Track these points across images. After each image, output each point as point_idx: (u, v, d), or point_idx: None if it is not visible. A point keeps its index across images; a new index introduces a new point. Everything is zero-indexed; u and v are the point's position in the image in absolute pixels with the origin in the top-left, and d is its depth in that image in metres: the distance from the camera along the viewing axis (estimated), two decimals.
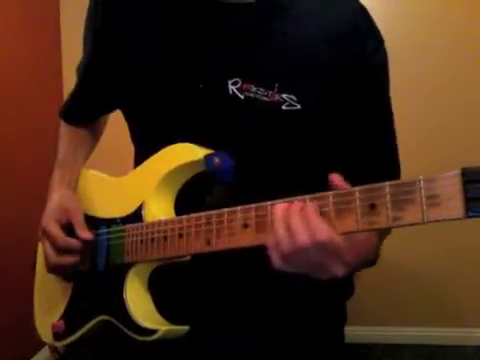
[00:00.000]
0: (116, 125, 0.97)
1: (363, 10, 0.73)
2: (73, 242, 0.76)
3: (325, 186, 0.56)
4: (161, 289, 0.74)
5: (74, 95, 0.89)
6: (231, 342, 0.77)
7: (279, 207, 0.56)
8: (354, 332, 2.35)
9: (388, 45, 0.74)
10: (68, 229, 0.78)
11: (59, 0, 2.57)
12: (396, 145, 0.76)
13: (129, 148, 0.86)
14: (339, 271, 0.55)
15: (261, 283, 0.75)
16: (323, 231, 0.53)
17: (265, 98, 0.68)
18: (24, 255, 0.97)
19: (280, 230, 0.55)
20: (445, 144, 2.32)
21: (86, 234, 0.76)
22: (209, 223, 0.62)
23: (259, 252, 0.58)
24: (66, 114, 0.92)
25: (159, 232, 0.68)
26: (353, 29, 0.70)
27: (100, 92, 0.84)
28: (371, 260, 0.69)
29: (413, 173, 0.57)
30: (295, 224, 0.54)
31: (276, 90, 0.67)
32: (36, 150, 2.24)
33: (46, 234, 0.78)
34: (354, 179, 0.54)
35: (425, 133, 2.34)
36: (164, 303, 0.72)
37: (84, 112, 0.91)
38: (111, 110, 0.92)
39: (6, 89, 2.14)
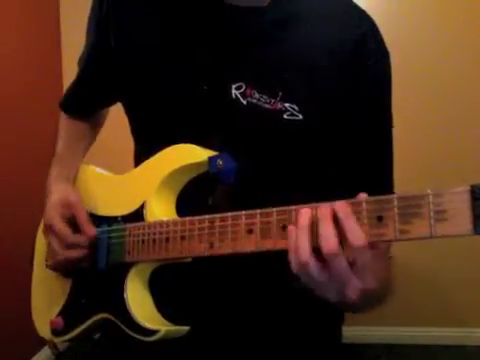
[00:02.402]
0: (116, 120, 0.97)
1: (370, 22, 0.72)
2: (81, 238, 0.75)
3: (324, 191, 0.55)
4: (161, 289, 0.73)
5: (75, 86, 0.88)
6: (230, 342, 0.77)
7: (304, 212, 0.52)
8: (354, 332, 2.35)
9: (389, 44, 0.72)
10: (72, 223, 0.77)
11: (59, 0, 2.56)
12: (392, 162, 0.75)
13: (129, 144, 0.85)
14: (353, 294, 0.51)
15: (260, 283, 0.75)
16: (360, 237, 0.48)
17: (267, 105, 0.67)
18: (24, 254, 0.96)
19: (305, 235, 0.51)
20: (446, 143, 2.32)
21: (91, 230, 0.75)
22: (212, 227, 0.61)
23: (259, 254, 0.57)
24: (66, 105, 0.91)
25: (161, 233, 0.67)
26: (359, 43, 0.69)
27: (101, 85, 0.84)
28: (383, 295, 0.61)
29: (416, 171, 0.56)
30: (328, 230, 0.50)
31: (279, 98, 0.67)
32: (35, 148, 2.24)
33: (52, 231, 0.77)
34: (348, 190, 0.53)
35: (426, 132, 2.34)
36: (164, 303, 0.72)
37: (84, 103, 0.90)
38: (111, 104, 0.91)
39: (6, 89, 2.15)
